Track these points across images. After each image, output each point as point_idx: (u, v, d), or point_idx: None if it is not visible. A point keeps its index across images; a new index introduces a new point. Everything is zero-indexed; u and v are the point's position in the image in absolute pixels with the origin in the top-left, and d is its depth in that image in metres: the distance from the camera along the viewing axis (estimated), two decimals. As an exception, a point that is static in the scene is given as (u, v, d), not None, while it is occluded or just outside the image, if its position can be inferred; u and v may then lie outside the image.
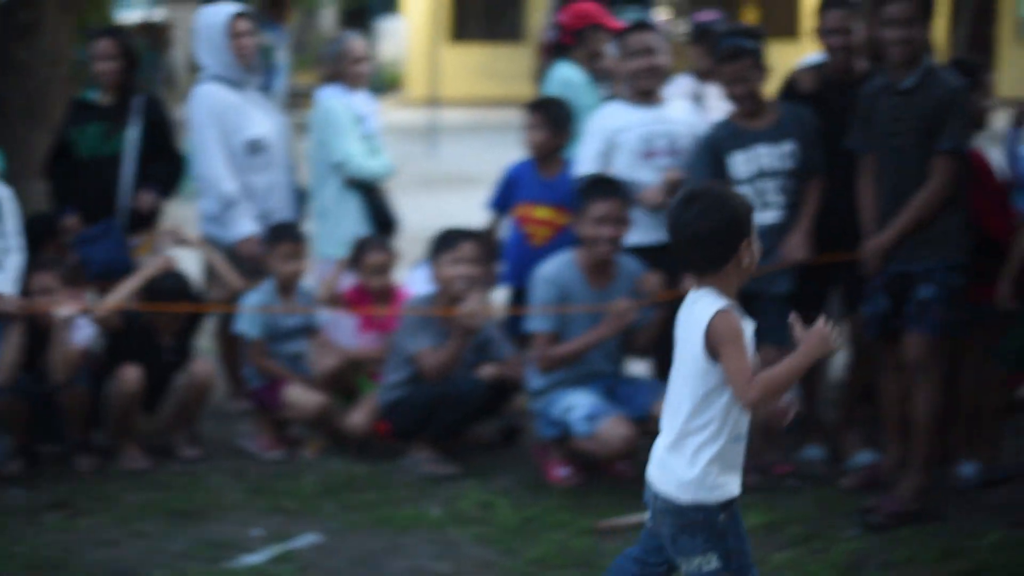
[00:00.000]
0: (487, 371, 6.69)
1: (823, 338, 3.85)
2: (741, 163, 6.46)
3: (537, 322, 6.43)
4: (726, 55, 6.43)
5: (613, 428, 6.23)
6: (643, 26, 6.92)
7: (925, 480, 6.07)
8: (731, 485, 3.97)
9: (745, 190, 6.42)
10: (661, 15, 22.01)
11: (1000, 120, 7.47)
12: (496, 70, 28.37)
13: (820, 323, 3.86)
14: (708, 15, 8.03)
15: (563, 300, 6.41)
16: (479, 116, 24.09)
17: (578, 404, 6.33)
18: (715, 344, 3.86)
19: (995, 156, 6.70)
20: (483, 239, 7.02)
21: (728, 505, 3.96)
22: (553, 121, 7.03)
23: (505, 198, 7.16)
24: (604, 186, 6.44)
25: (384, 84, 25.93)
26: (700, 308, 3.91)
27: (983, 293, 6.37)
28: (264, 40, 16.47)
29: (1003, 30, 30.49)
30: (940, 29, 30.04)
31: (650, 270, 6.51)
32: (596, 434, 6.24)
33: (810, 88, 6.60)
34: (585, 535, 5.80)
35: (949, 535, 5.81)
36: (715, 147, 6.49)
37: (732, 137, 6.48)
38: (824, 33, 6.61)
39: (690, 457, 3.93)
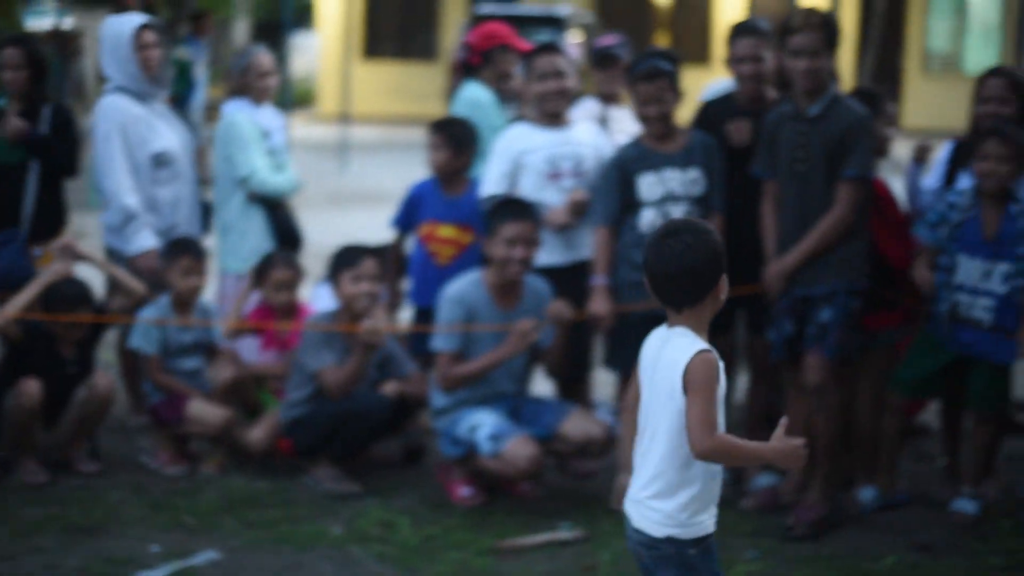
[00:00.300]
0: (389, 388, 6.69)
1: (794, 456, 3.89)
2: (649, 185, 6.50)
3: (441, 341, 6.43)
4: (643, 75, 6.47)
5: (519, 448, 6.24)
6: (550, 48, 6.95)
7: (830, 491, 6.25)
8: (707, 522, 3.98)
9: (651, 213, 6.48)
10: (573, 37, 22.08)
11: (902, 149, 7.59)
12: (408, 88, 28.37)
13: (798, 442, 3.89)
14: (610, 39, 8.08)
15: (469, 320, 6.41)
16: (390, 133, 24.09)
17: (484, 423, 6.33)
18: (686, 384, 3.87)
19: (897, 185, 6.80)
20: (385, 256, 7.02)
21: (701, 541, 3.97)
22: (455, 141, 7.04)
23: (409, 216, 7.16)
24: (516, 207, 6.45)
25: (296, 99, 25.83)
26: (677, 347, 3.91)
27: (881, 320, 6.48)
28: (184, 54, 16.46)
29: (910, 61, 30.93)
30: (847, 59, 30.48)
31: (556, 291, 6.54)
32: (502, 454, 6.24)
33: (742, 142, 6.63)
34: (486, 555, 5.80)
35: (848, 558, 5.89)
36: (624, 168, 6.52)
37: (641, 159, 6.52)
38: (734, 61, 6.68)
39: (667, 495, 3.92)
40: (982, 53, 29.81)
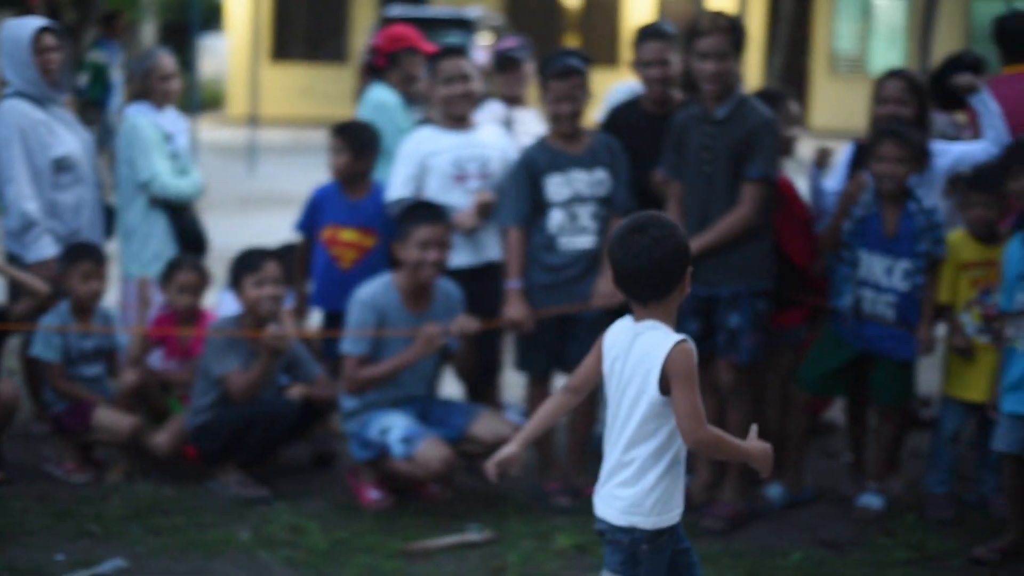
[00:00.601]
0: (296, 392, 6.65)
1: (765, 459, 4.03)
2: (557, 186, 6.52)
3: (350, 344, 6.40)
4: (557, 72, 6.49)
5: (432, 450, 6.23)
6: (455, 51, 6.95)
7: (743, 487, 6.33)
8: (670, 515, 4.03)
9: (559, 214, 6.50)
10: (483, 40, 22.10)
11: (808, 149, 7.65)
12: (317, 90, 28.28)
13: (768, 445, 4.02)
14: (511, 42, 8.09)
15: (380, 323, 6.39)
16: (300, 136, 23.97)
17: (395, 426, 6.31)
18: (670, 377, 3.93)
19: (802, 185, 6.86)
20: (289, 259, 6.99)
21: (658, 535, 4.01)
22: (355, 144, 7.01)
23: (312, 220, 7.12)
24: (428, 210, 6.44)
25: (205, 102, 25.63)
26: (652, 340, 3.97)
27: (785, 319, 6.54)
28: (99, 57, 16.23)
29: (816, 63, 31.24)
30: (755, 61, 30.72)
31: (465, 293, 6.54)
32: (414, 456, 6.23)
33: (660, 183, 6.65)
34: (394, 558, 5.79)
35: (755, 555, 5.93)
36: (531, 168, 6.54)
37: (549, 159, 6.54)
38: (641, 64, 6.70)
39: (634, 482, 3.99)
40: (887, 55, 30.17)
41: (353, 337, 6.39)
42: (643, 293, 4.00)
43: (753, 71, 30.38)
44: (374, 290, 6.43)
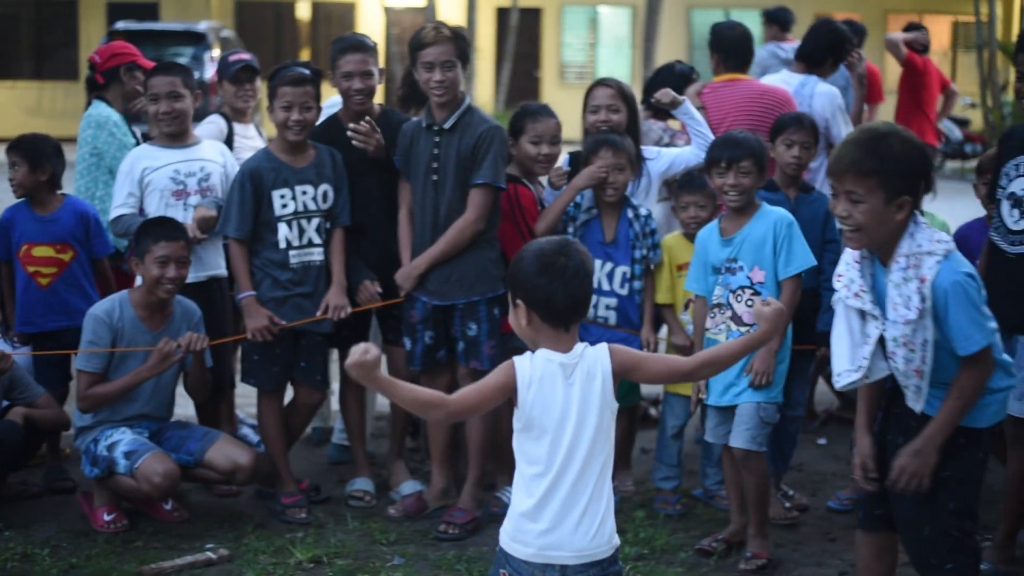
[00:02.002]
0: (16, 413, 6.46)
1: None
2: (283, 200, 6.54)
3: (83, 361, 6.31)
4: (290, 80, 6.51)
5: (153, 463, 6.15)
6: (167, 68, 6.87)
7: (479, 493, 6.46)
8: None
9: (285, 228, 6.52)
10: (215, 53, 21.87)
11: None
12: (46, 108, 27.59)
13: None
14: (242, 54, 8.04)
15: (115, 340, 6.31)
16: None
17: (120, 441, 6.25)
18: (635, 360, 3.94)
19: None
20: None
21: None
22: (29, 156, 6.87)
23: (6, 243, 6.92)
24: (166, 227, 6.37)
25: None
26: (591, 360, 3.86)
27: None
28: None
29: (546, 72, 31.78)
30: (486, 71, 31.05)
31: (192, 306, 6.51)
32: (137, 470, 6.15)
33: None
34: (129, 581, 5.71)
35: (489, 560, 6.00)
36: (257, 181, 6.54)
37: (275, 173, 6.55)
38: (343, 77, 6.72)
39: (602, 502, 3.86)
40: (613, 63, 30.92)
41: (86, 354, 6.30)
42: (574, 317, 3.88)
43: (484, 82, 30.76)
44: (109, 306, 6.36)
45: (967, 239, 6.42)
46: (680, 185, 6.74)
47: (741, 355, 4.08)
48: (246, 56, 7.89)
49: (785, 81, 8.02)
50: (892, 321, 4.47)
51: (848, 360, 4.63)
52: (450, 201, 6.38)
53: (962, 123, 25.32)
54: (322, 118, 6.79)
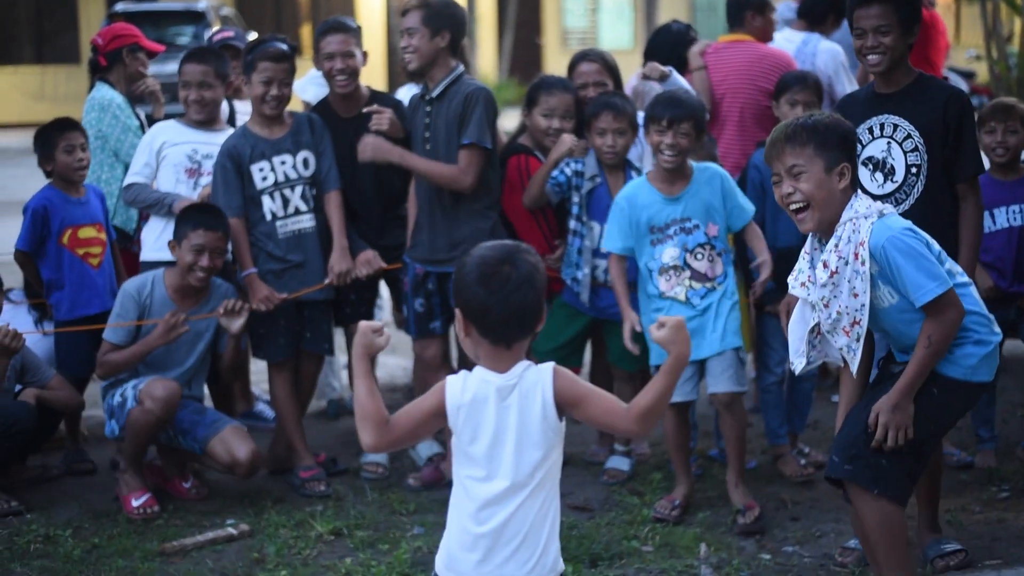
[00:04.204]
0: (28, 395, 6.47)
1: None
2: (263, 173, 6.60)
3: (109, 332, 6.40)
4: (271, 55, 6.55)
5: (156, 384, 6.21)
6: (198, 54, 6.95)
7: None
8: None
9: (269, 200, 6.56)
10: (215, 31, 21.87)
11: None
12: (49, 92, 27.58)
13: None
14: (228, 32, 8.05)
15: (143, 316, 6.38)
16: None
17: (128, 385, 6.33)
18: (577, 394, 3.56)
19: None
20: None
21: None
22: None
23: (44, 230, 6.83)
24: (207, 215, 6.42)
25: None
26: (530, 382, 3.54)
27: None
28: None
29: (548, 38, 31.73)
30: (488, 40, 31.02)
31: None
32: (140, 391, 6.22)
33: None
34: (151, 559, 5.74)
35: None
36: (237, 158, 6.58)
37: (252, 148, 6.61)
38: (326, 58, 6.77)
39: (550, 530, 3.60)
40: (616, 28, 30.85)
41: (114, 327, 6.39)
42: (515, 334, 3.54)
43: (487, 51, 30.72)
44: (141, 282, 6.46)
45: None
46: None
47: (672, 386, 3.56)
48: (229, 33, 7.91)
49: (788, 39, 8.01)
50: (814, 284, 4.67)
51: (794, 347, 4.86)
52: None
53: (968, 76, 25.25)
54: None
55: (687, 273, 6.08)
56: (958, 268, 4.74)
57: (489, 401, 3.53)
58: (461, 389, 3.55)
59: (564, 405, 3.55)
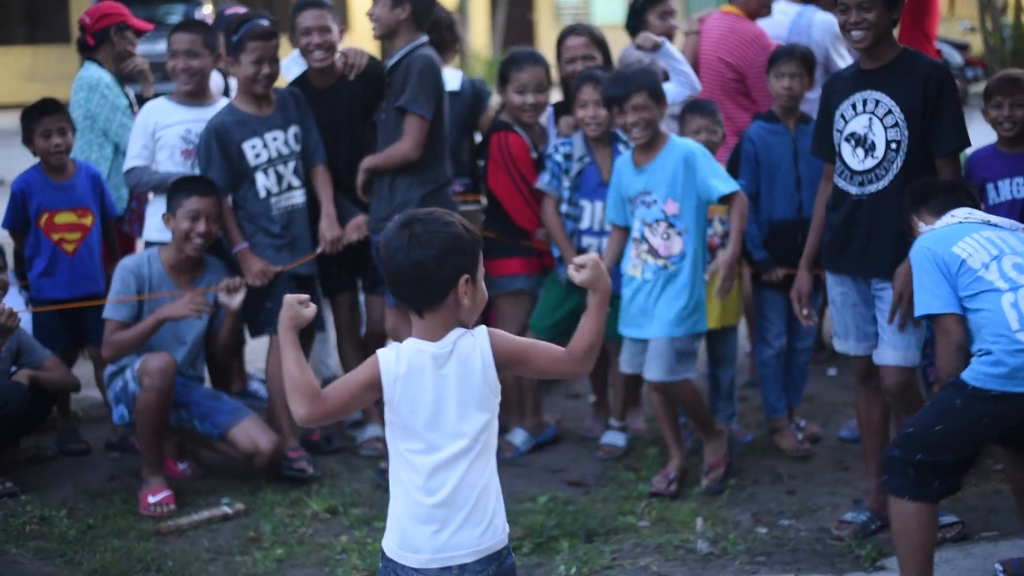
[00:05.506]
0: (22, 375, 6.45)
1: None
2: (256, 150, 6.59)
3: (111, 310, 6.37)
4: (260, 34, 6.52)
5: (152, 358, 6.18)
6: (187, 25, 6.91)
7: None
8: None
9: (263, 177, 6.55)
10: (205, 12, 21.79)
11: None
12: (41, 73, 27.52)
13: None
14: (234, 8, 8.02)
15: (142, 291, 6.36)
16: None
17: (128, 369, 6.30)
18: (520, 351, 3.57)
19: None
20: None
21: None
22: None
23: (23, 212, 6.84)
24: (199, 183, 6.40)
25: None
26: (465, 349, 3.49)
27: (512, 267, 6.69)
28: None
29: (541, 15, 31.66)
30: (481, 16, 30.95)
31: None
32: (138, 369, 6.19)
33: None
34: (147, 538, 5.75)
35: (504, 500, 6.04)
36: (225, 137, 6.56)
37: (242, 125, 6.59)
38: (302, 33, 6.75)
39: (496, 496, 3.63)
40: (608, 3, 30.76)
41: (114, 304, 6.36)
42: (412, 300, 3.50)
43: (479, 27, 30.65)
44: (139, 259, 6.44)
45: (976, 166, 6.40)
46: (688, 109, 6.68)
47: (602, 321, 3.61)
48: (241, 9, 7.87)
49: (782, 11, 7.97)
50: None
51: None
52: (393, 138, 6.43)
53: (962, 47, 25.21)
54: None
55: (644, 247, 6.08)
56: (991, 281, 4.69)
57: (426, 370, 3.49)
58: (395, 360, 3.50)
59: (506, 364, 3.55)
